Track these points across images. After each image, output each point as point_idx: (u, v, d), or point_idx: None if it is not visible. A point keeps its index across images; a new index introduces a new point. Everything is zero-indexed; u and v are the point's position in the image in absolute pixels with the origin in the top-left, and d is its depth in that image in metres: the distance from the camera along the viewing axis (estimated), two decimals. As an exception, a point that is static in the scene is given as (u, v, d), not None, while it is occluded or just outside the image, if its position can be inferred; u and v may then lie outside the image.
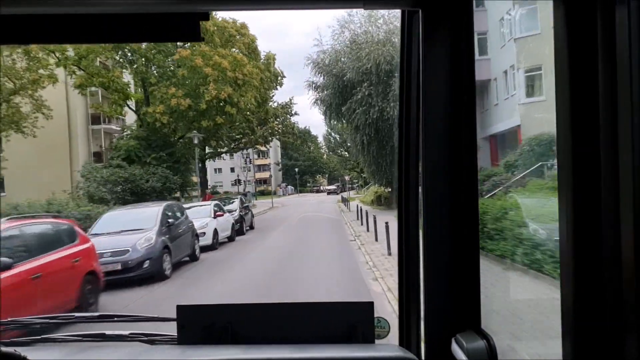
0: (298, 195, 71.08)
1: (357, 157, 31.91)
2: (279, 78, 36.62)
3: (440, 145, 1.31)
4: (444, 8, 1.27)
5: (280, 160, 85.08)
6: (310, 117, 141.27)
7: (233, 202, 21.03)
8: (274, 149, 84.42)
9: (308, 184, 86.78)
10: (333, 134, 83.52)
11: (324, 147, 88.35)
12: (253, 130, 38.40)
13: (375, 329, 1.66)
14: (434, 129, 1.31)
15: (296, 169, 76.02)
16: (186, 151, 28.90)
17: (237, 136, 39.18)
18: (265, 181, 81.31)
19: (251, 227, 21.72)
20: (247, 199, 28.34)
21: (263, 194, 74.32)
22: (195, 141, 26.23)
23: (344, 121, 26.83)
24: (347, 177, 51.38)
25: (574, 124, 0.84)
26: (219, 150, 41.22)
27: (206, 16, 1.16)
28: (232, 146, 41.04)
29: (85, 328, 1.89)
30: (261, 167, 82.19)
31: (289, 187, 78.46)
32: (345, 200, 36.58)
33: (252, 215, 23.12)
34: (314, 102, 27.32)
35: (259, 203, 43.21)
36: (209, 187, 42.82)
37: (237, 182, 43.59)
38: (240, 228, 19.24)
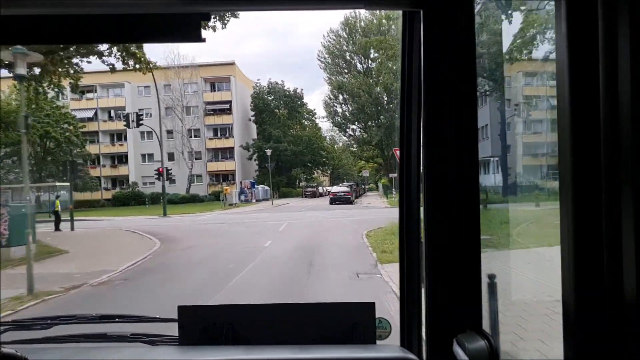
0: (271, 205, 39.64)
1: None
2: None
3: (442, 144, 1.35)
4: (445, 8, 1.32)
5: (252, 142, 53.23)
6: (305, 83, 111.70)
7: None
8: (244, 123, 53.36)
9: (299, 183, 56.34)
10: (341, 96, 51.93)
11: (328, 129, 59.28)
12: None
13: (376, 329, 1.73)
14: (436, 129, 1.36)
15: (268, 152, 44.18)
16: None
17: None
18: (226, 177, 50.65)
19: None
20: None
21: (218, 198, 44.42)
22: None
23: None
24: (381, 165, 21.22)
25: (575, 124, 0.87)
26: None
27: (207, 17, 1.24)
28: None
29: (86, 329, 1.90)
30: (220, 153, 51.20)
31: (260, 187, 47.36)
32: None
33: None
34: None
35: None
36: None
37: (71, 169, 14.27)
38: None
